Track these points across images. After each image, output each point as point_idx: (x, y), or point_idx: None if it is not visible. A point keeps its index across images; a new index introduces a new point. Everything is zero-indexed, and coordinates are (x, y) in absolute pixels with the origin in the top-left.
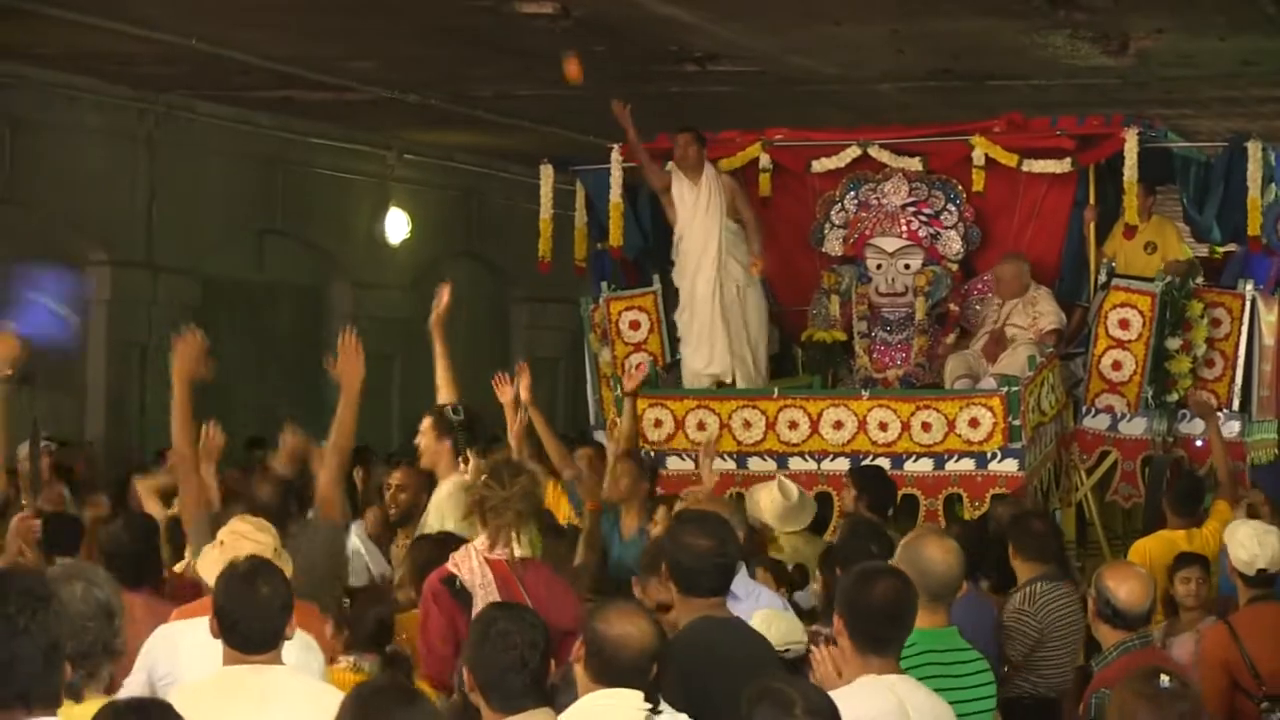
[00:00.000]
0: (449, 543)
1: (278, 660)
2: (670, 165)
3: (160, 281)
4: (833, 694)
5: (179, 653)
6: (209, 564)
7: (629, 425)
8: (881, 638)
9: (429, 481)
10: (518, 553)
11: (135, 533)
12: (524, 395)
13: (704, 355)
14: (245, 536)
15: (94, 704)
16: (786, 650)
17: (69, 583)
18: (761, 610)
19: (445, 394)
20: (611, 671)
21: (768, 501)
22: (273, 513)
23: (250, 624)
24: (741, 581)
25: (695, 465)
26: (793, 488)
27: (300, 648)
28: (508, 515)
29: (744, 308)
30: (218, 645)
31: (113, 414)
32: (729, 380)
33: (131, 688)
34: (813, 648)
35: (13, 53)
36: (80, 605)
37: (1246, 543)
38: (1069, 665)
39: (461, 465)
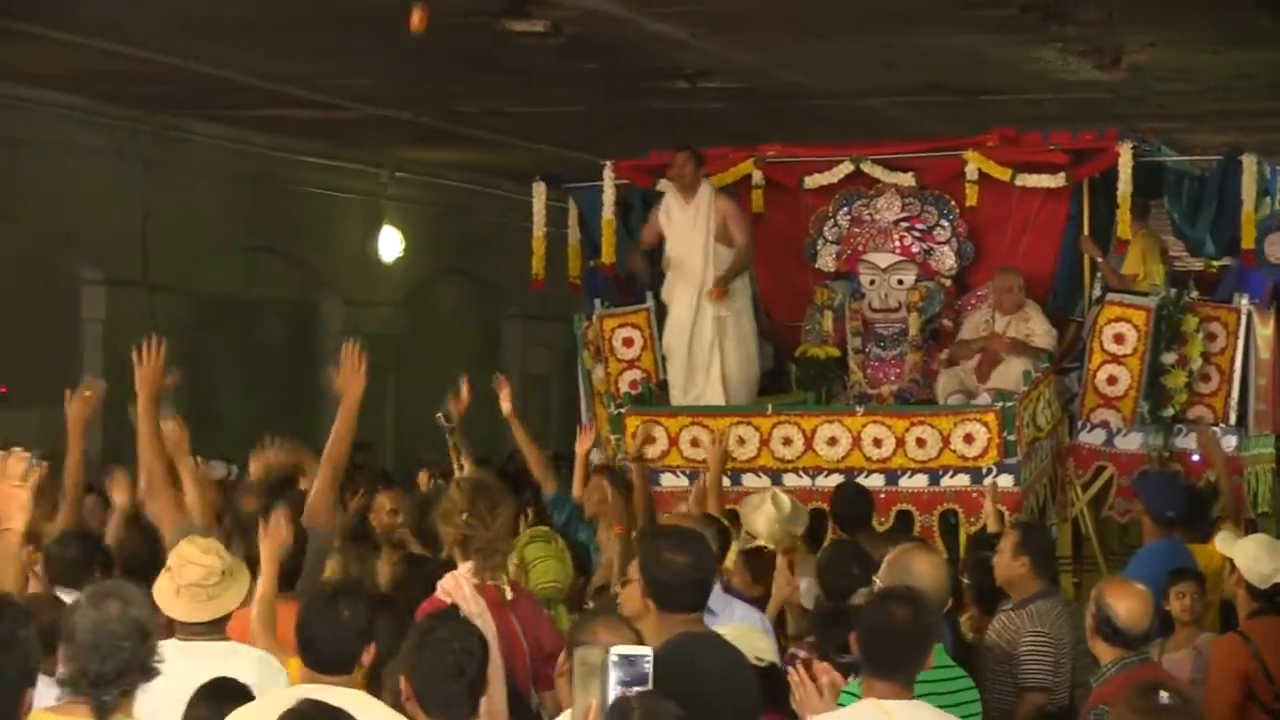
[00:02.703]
0: (435, 568)
1: (354, 684)
2: (663, 182)
3: (155, 300)
4: (826, 716)
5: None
6: (160, 591)
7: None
8: (884, 662)
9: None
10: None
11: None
12: (505, 407)
13: (680, 379)
14: (192, 561)
15: None
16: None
17: (103, 602)
18: (731, 625)
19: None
20: None
21: (762, 515)
22: (255, 523)
23: (326, 644)
24: (716, 596)
25: (689, 482)
26: (785, 499)
27: (259, 666)
28: (496, 557)
29: (722, 337)
30: (184, 670)
31: (108, 432)
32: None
33: None
34: (790, 670)
35: (8, 73)
36: (116, 625)
37: (1264, 557)
38: (1068, 680)
39: (457, 469)
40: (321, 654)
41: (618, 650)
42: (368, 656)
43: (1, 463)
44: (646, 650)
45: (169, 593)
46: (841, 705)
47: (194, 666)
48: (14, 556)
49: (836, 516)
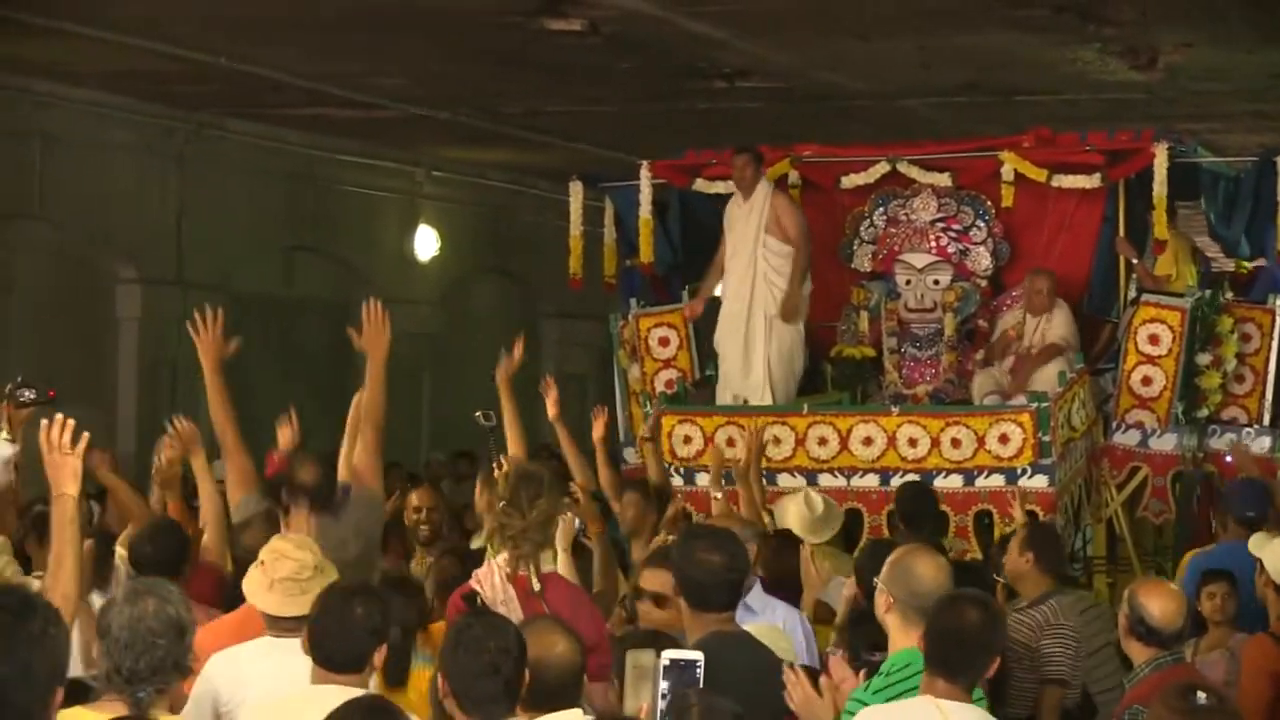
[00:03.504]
0: (471, 558)
1: (364, 685)
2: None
3: (190, 298)
4: (878, 708)
5: (242, 678)
6: (252, 584)
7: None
8: (949, 662)
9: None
10: (543, 569)
11: (159, 542)
12: (551, 411)
13: (729, 375)
14: (285, 555)
15: None
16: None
17: (140, 599)
18: (754, 624)
19: (514, 448)
20: (539, 695)
21: (795, 513)
22: (318, 494)
23: (337, 642)
24: (756, 596)
25: (724, 482)
26: (818, 499)
27: None
28: (525, 546)
29: (770, 335)
30: (281, 665)
31: (143, 430)
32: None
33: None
34: (785, 668)
35: (44, 71)
36: (152, 622)
37: None
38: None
39: (495, 469)
40: (331, 652)
41: (669, 655)
42: (379, 657)
43: (48, 431)
44: (698, 655)
45: (262, 586)
46: (850, 713)
47: (289, 661)
48: (71, 521)
49: (903, 515)
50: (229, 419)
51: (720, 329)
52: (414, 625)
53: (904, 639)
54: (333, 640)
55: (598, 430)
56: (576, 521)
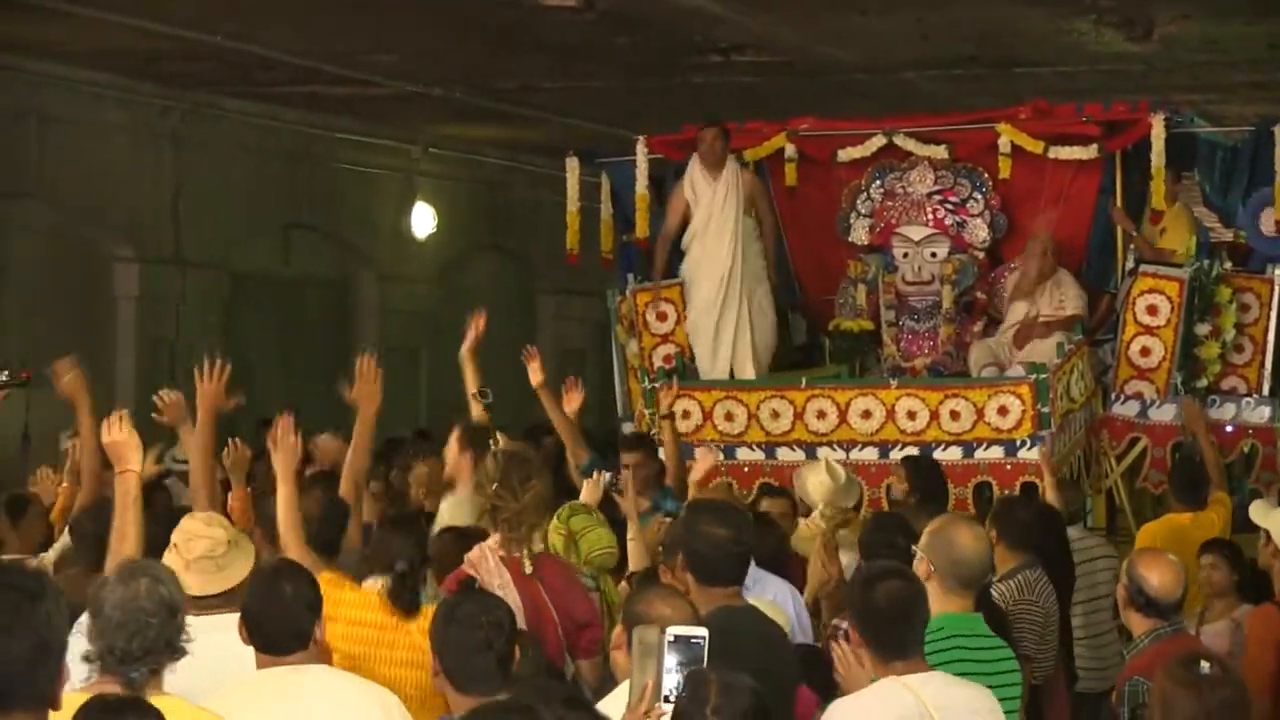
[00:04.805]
0: (468, 537)
1: (313, 660)
2: (693, 158)
3: (188, 277)
4: (848, 699)
5: None
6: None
7: (673, 451)
8: (894, 639)
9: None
10: (535, 548)
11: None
12: (534, 379)
13: (708, 353)
14: (197, 535)
15: (153, 701)
16: None
17: (133, 579)
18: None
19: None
20: None
21: (815, 482)
22: (321, 526)
23: (275, 624)
24: (750, 570)
25: (724, 456)
26: (840, 469)
27: None
28: (522, 529)
29: (750, 308)
30: (203, 645)
31: (142, 410)
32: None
33: None
34: (834, 644)
35: (40, 50)
36: (145, 601)
37: None
38: (1054, 653)
39: (492, 446)
40: (271, 635)
41: (674, 630)
42: (320, 630)
43: (108, 428)
44: (702, 631)
45: (178, 568)
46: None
47: (214, 638)
48: (135, 499)
49: (912, 489)
50: (209, 475)
51: (693, 312)
52: (418, 559)
53: (940, 606)
54: (270, 623)
55: (573, 403)
56: (605, 478)
